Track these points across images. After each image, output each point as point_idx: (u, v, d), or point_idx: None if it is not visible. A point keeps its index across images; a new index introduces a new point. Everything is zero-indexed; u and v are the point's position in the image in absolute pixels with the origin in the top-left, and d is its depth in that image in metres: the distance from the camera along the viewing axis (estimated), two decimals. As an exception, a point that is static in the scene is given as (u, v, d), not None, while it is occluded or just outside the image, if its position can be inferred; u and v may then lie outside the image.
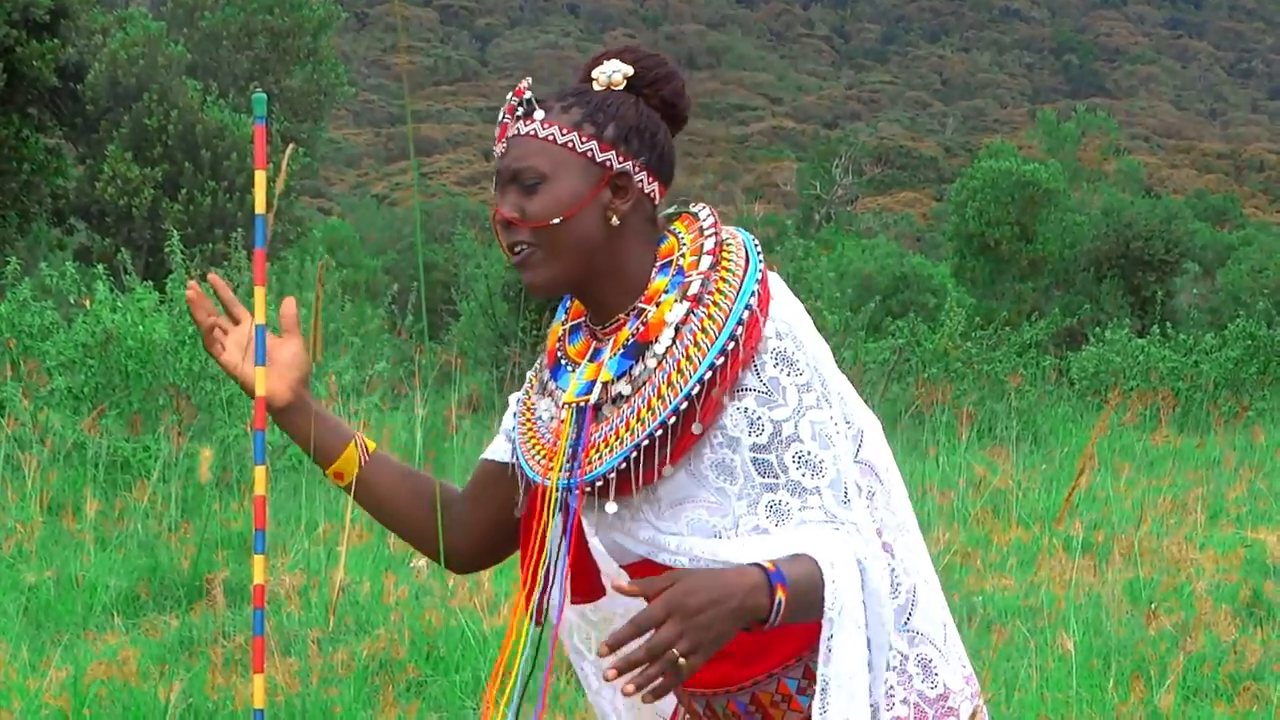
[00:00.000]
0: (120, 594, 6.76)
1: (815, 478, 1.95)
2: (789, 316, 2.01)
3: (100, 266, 11.71)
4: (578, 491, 2.00)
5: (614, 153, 2.02)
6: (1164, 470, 11.18)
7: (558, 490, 2.03)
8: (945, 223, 40.51)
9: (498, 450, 2.25)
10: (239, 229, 18.24)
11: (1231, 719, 5.60)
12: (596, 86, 2.05)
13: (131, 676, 5.52)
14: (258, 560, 2.18)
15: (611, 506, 1.99)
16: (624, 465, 1.96)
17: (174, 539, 7.78)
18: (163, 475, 8.60)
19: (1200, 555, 8.43)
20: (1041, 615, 6.63)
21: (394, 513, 2.27)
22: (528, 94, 2.04)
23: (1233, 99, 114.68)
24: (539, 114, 2.03)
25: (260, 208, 2.15)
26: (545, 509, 2.06)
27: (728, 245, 2.03)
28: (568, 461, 2.02)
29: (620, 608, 2.15)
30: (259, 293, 2.17)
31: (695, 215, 2.10)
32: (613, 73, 2.05)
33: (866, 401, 2.17)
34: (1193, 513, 9.63)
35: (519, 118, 2.04)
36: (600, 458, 1.98)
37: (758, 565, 1.81)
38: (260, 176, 2.18)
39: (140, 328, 9.87)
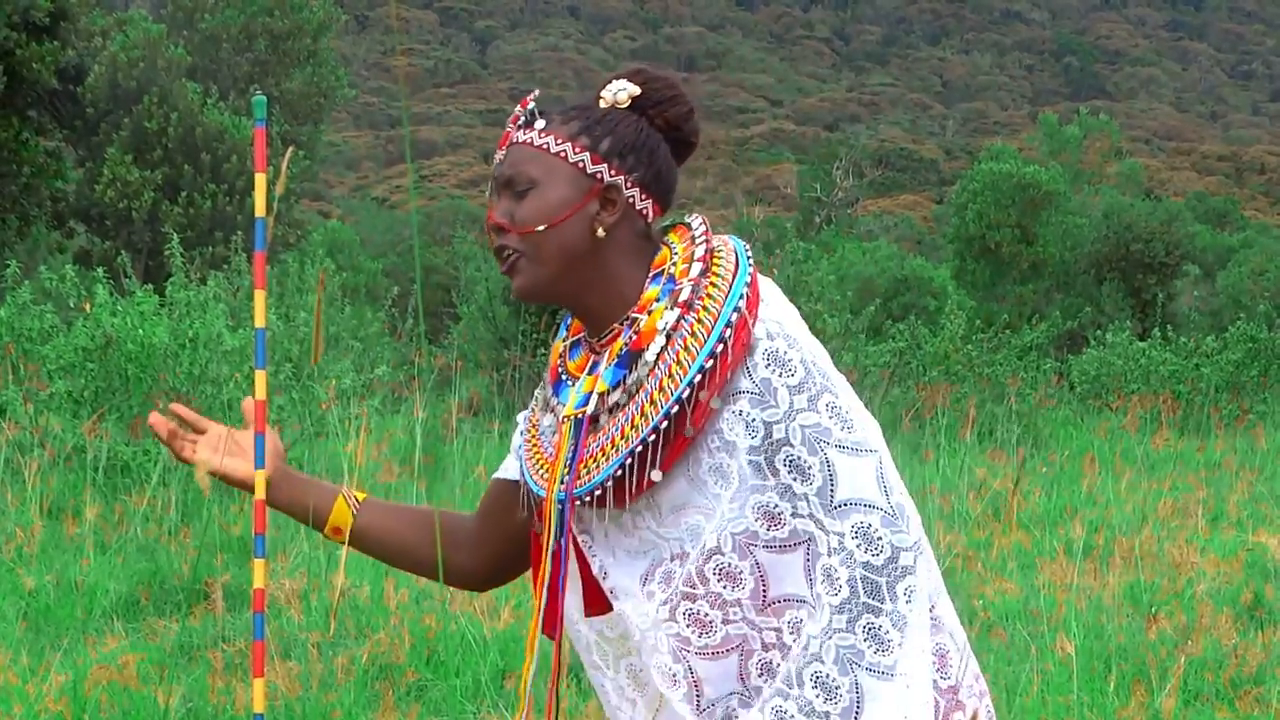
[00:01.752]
0: (120, 598, 6.75)
1: (804, 484, 1.94)
2: (780, 317, 2.01)
3: (100, 270, 11.69)
4: (569, 503, 2.03)
5: (606, 166, 2.04)
6: (1165, 473, 11.17)
7: (555, 502, 2.05)
8: (946, 225, 40.54)
9: (508, 469, 2.26)
10: (239, 232, 18.25)
11: (1233, 723, 5.59)
12: (602, 104, 2.08)
13: (131, 681, 5.51)
14: (258, 564, 2.17)
15: (601, 519, 2.01)
16: (619, 473, 1.97)
17: (174, 543, 7.77)
18: (162, 479, 8.59)
19: (1201, 559, 8.42)
20: (1042, 619, 6.62)
21: (399, 550, 2.30)
22: (532, 104, 2.08)
23: (1233, 101, 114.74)
24: (539, 123, 2.06)
25: (260, 210, 2.14)
26: (546, 522, 2.08)
27: (718, 252, 2.05)
28: (565, 473, 2.04)
29: (634, 628, 2.15)
30: (259, 295, 2.17)
31: (688, 225, 2.12)
32: (618, 91, 2.08)
33: (866, 404, 2.15)
34: (1194, 516, 9.62)
35: (521, 126, 2.08)
36: (598, 466, 2.00)
37: None
38: (260, 179, 2.17)
39: (140, 331, 9.86)
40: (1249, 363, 17.46)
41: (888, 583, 1.92)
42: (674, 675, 2.00)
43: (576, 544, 2.07)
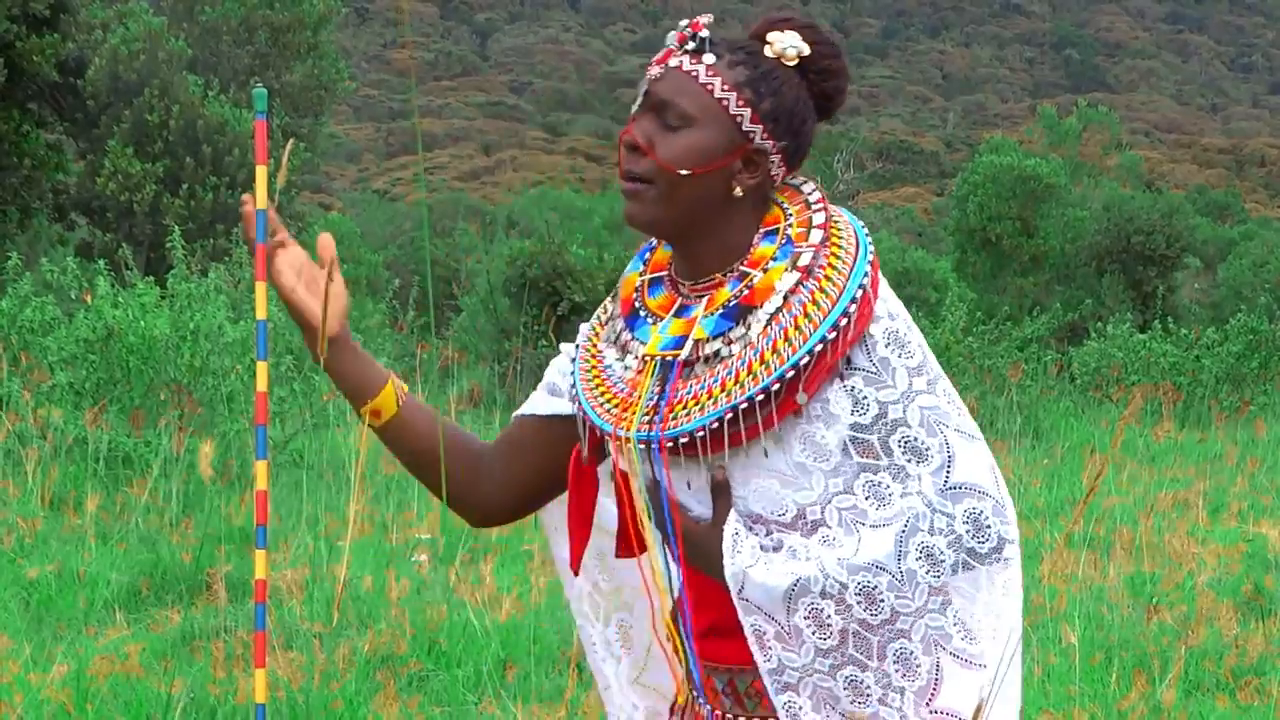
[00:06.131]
0: (122, 589, 6.76)
1: (919, 464, 1.92)
2: (896, 301, 2.00)
3: (101, 262, 11.71)
4: (659, 445, 1.96)
5: (761, 128, 1.98)
6: (1166, 465, 11.18)
7: (635, 442, 1.99)
8: (946, 217, 40.51)
9: (537, 405, 2.20)
10: (240, 224, 18.22)
11: (1233, 713, 5.60)
12: (769, 52, 2.01)
13: (134, 671, 5.53)
14: (259, 555, 2.18)
15: (701, 472, 1.96)
16: (715, 425, 1.92)
17: (175, 534, 7.78)
18: (164, 470, 8.60)
19: (1202, 550, 8.43)
20: (1044, 609, 6.63)
21: (426, 459, 2.20)
22: (705, 31, 2.00)
23: (1233, 94, 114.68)
24: (709, 57, 1.99)
25: (261, 203, 2.13)
26: (618, 459, 2.02)
27: (835, 223, 2.02)
28: (647, 414, 1.98)
29: (634, 579, 2.15)
30: (260, 287, 2.16)
31: (798, 189, 2.07)
32: (789, 46, 2.00)
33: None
34: (1194, 507, 9.63)
35: (687, 51, 2.00)
36: (688, 414, 1.94)
37: None
38: (261, 172, 2.16)
39: (141, 323, 9.87)
40: (1249, 355, 17.46)
41: (988, 571, 1.92)
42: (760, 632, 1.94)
43: (628, 484, 2.03)
